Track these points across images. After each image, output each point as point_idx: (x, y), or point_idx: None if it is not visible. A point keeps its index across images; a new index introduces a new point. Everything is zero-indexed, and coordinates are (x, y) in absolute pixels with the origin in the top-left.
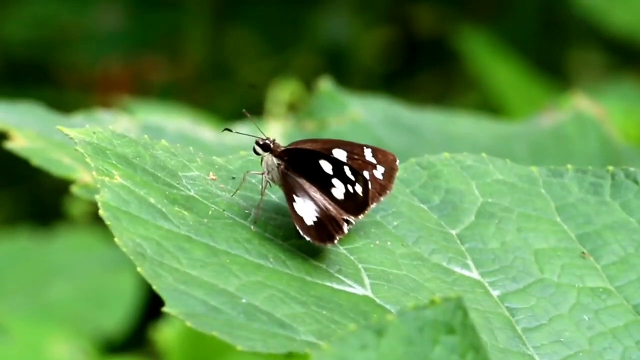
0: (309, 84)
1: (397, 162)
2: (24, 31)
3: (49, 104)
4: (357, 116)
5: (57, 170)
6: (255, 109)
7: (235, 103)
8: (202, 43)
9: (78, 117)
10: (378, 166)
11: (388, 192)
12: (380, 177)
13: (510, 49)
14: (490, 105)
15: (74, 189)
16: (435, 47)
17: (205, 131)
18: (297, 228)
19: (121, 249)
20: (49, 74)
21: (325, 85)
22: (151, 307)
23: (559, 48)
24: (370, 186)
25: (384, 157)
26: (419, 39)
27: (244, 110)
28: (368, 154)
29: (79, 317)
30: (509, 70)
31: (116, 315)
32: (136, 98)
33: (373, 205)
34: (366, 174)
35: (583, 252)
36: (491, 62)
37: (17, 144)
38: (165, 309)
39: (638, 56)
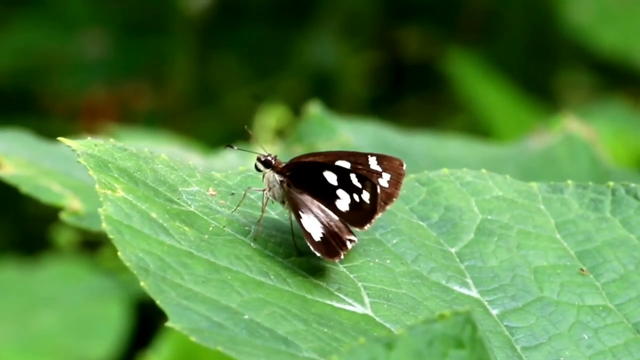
0: (296, 109)
1: (404, 167)
2: (8, 59)
3: (35, 132)
4: (347, 140)
5: (46, 198)
6: (242, 135)
7: (221, 129)
8: (188, 69)
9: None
10: (384, 174)
11: (394, 199)
12: (386, 185)
13: (499, 72)
14: (478, 129)
15: (63, 216)
16: (423, 71)
17: (194, 157)
18: (308, 243)
19: (112, 270)
20: (34, 102)
21: (315, 109)
22: (139, 335)
23: (547, 70)
24: (378, 191)
25: (389, 164)
26: (406, 62)
27: (246, 127)
28: (373, 163)
29: (66, 347)
30: (498, 93)
31: (103, 344)
32: (122, 126)
33: (379, 215)
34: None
35: (582, 269)
36: (479, 85)
37: (6, 171)
38: (169, 324)
39: (626, 77)
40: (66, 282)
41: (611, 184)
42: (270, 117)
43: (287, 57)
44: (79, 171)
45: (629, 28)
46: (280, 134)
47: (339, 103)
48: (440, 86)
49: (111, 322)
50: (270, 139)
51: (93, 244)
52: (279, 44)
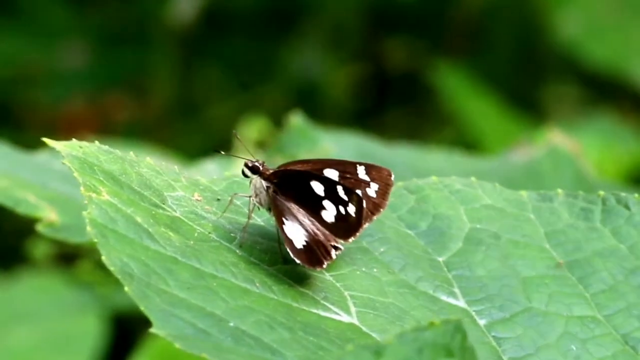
0: (280, 121)
1: (393, 177)
2: None
3: (11, 143)
4: (328, 151)
5: (22, 209)
6: (222, 147)
7: (201, 142)
8: (169, 81)
9: (43, 155)
10: (372, 183)
11: (382, 209)
12: (374, 195)
13: (486, 84)
14: (465, 141)
15: (39, 228)
16: (408, 83)
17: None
18: (288, 250)
19: (89, 283)
20: (12, 113)
21: (296, 120)
22: (115, 351)
23: (534, 83)
24: (364, 205)
25: (378, 174)
26: (391, 74)
27: (234, 131)
28: (361, 172)
29: None
30: (484, 105)
31: (80, 359)
32: (101, 137)
33: (366, 225)
34: (359, 193)
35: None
36: (466, 97)
37: None
38: (153, 330)
39: (615, 91)
40: (42, 297)
41: (601, 193)
42: (252, 129)
43: (271, 69)
44: (55, 182)
45: (618, 41)
46: (262, 145)
47: (324, 115)
48: (426, 98)
49: (88, 337)
50: (252, 151)
51: (69, 257)
52: (263, 56)
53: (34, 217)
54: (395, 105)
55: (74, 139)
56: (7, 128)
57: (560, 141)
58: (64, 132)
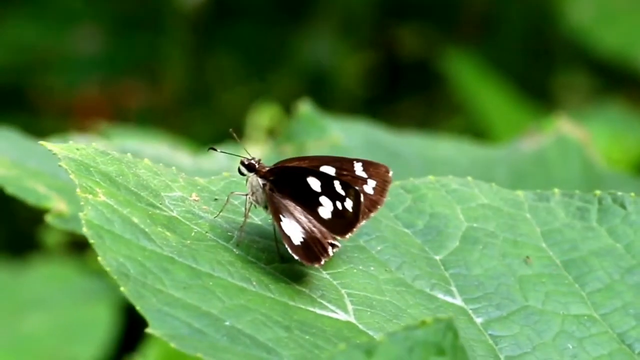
0: (291, 108)
1: (390, 174)
2: (1, 56)
3: (25, 129)
4: (337, 140)
5: (31, 199)
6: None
7: (214, 128)
8: (182, 67)
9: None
10: (369, 180)
11: (379, 206)
12: (371, 192)
13: (496, 73)
14: (475, 130)
15: (48, 218)
16: (419, 71)
17: (183, 156)
18: (286, 247)
19: (101, 271)
20: (26, 99)
21: (305, 108)
22: (126, 339)
23: (545, 71)
24: (362, 199)
25: (375, 170)
26: (402, 62)
27: (230, 130)
28: (358, 169)
29: (54, 350)
30: (495, 94)
31: (91, 347)
32: (113, 124)
33: (363, 222)
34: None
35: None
36: (476, 85)
37: None
38: (149, 330)
39: (625, 80)
40: (54, 284)
41: (598, 192)
42: (263, 116)
43: (283, 56)
44: (65, 172)
45: (629, 29)
46: (273, 133)
47: (335, 102)
48: (437, 86)
49: (99, 325)
50: (263, 138)
51: (81, 245)
52: (274, 43)
53: (44, 207)
54: (406, 94)
55: (71, 142)
56: (21, 113)
57: (568, 130)
58: (78, 118)
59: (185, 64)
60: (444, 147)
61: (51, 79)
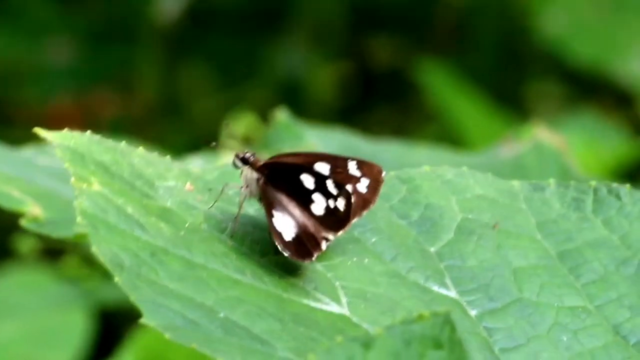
0: (265, 117)
1: (383, 174)
2: None
3: None
4: (314, 147)
5: (5, 204)
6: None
7: (188, 138)
8: (155, 78)
9: (28, 150)
10: (362, 179)
11: (371, 205)
12: (364, 191)
13: (470, 81)
14: (449, 138)
15: (23, 222)
16: (393, 80)
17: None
18: (277, 244)
19: (75, 277)
20: None
21: (282, 115)
22: (101, 345)
23: (518, 80)
24: (353, 200)
25: (369, 170)
26: (376, 72)
27: (213, 144)
28: (352, 167)
29: (28, 356)
30: (468, 102)
31: (66, 354)
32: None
33: (355, 220)
34: (349, 187)
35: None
36: (450, 94)
37: None
38: (143, 320)
39: (598, 88)
40: (28, 291)
41: (593, 183)
42: (239, 125)
43: (256, 66)
44: (40, 178)
45: (602, 39)
46: (248, 141)
47: (309, 112)
48: (411, 95)
49: (74, 331)
50: (238, 147)
51: (55, 252)
52: (248, 53)
53: (18, 212)
54: (380, 103)
55: (65, 129)
56: None
57: (545, 137)
58: (51, 128)
59: (158, 74)
60: (421, 153)
61: (24, 90)
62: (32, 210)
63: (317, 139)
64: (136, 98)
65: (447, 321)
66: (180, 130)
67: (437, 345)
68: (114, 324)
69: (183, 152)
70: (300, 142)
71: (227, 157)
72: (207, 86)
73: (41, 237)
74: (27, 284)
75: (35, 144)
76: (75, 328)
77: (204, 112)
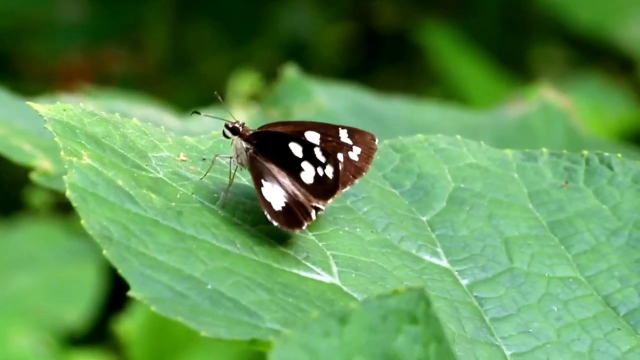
0: (270, 77)
1: (376, 141)
2: None
3: (10, 91)
4: (322, 104)
5: (17, 158)
6: (215, 101)
7: (195, 95)
8: (164, 35)
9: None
10: (354, 147)
11: (364, 173)
12: (356, 159)
13: (474, 45)
14: (452, 100)
15: (34, 177)
16: (398, 42)
17: (170, 118)
18: (266, 214)
19: (87, 233)
20: (9, 65)
21: (291, 72)
22: (113, 299)
23: (522, 44)
24: (341, 168)
25: (361, 138)
26: (381, 33)
27: (215, 93)
28: (344, 135)
29: (41, 309)
30: (472, 65)
31: (78, 307)
32: (97, 88)
33: (347, 188)
34: (340, 155)
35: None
36: (454, 57)
37: None
38: (130, 293)
39: (602, 53)
40: (42, 244)
41: (585, 152)
42: (244, 83)
43: (262, 26)
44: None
45: (604, 5)
46: (254, 99)
47: (314, 73)
48: (415, 57)
49: (86, 285)
50: (244, 105)
51: (67, 206)
52: (254, 12)
53: (29, 166)
54: (384, 64)
55: (58, 102)
56: (5, 79)
57: (552, 97)
58: (61, 84)
59: (167, 32)
60: (430, 111)
61: (36, 45)
62: (42, 164)
63: (326, 95)
64: (145, 55)
65: (422, 296)
66: (189, 87)
67: (413, 320)
68: (124, 280)
69: (191, 108)
70: (309, 98)
71: (236, 113)
72: (214, 45)
73: (53, 191)
74: (40, 237)
75: (49, 96)
76: (87, 282)
77: (211, 70)
